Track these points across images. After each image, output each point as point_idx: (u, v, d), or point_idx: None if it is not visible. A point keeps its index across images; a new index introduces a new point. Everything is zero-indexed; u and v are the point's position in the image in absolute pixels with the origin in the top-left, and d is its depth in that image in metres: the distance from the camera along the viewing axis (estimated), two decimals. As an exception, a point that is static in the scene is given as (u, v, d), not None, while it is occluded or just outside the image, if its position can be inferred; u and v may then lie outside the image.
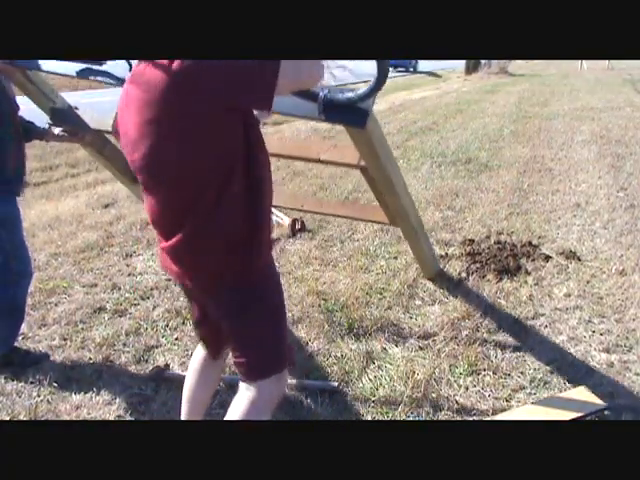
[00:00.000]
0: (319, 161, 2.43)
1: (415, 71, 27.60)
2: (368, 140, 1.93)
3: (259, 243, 1.61)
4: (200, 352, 1.96)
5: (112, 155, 2.98)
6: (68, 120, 2.70)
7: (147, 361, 2.65)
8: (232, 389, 2.39)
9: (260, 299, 1.67)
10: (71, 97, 2.80)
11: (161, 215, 1.56)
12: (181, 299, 3.23)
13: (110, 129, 2.62)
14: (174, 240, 1.55)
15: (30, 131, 2.60)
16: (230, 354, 1.81)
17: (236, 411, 1.71)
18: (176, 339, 2.84)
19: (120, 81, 2.07)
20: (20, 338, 2.77)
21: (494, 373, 2.49)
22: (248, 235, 1.57)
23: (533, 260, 3.64)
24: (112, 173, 3.20)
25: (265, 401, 1.73)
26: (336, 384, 2.40)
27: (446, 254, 3.77)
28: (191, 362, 1.99)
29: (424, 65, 28.63)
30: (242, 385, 1.74)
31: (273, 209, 3.95)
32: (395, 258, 3.77)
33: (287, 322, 1.86)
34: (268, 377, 1.71)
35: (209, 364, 1.94)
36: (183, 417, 1.98)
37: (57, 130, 2.63)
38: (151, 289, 3.40)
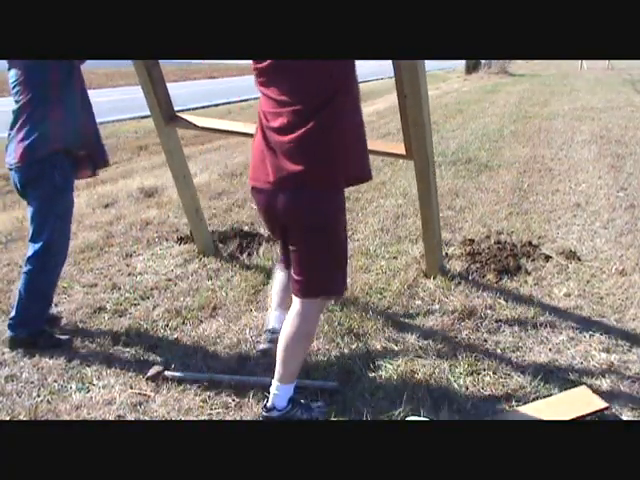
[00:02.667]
0: None
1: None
2: None
3: (361, 153, 2.08)
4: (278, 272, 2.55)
5: (158, 80, 3.10)
6: None
7: (147, 361, 2.65)
8: (233, 390, 2.39)
9: (335, 218, 2.06)
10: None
11: (282, 116, 1.95)
12: (181, 299, 3.24)
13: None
14: (298, 133, 1.91)
15: None
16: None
17: (288, 323, 2.11)
18: (176, 339, 2.85)
19: None
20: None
21: (494, 373, 2.49)
22: (355, 144, 2.04)
23: (533, 260, 3.63)
24: (150, 107, 3.30)
25: (313, 315, 2.14)
26: (336, 384, 2.40)
27: (446, 254, 3.77)
28: (274, 278, 2.64)
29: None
30: (294, 299, 2.14)
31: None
32: (395, 258, 3.77)
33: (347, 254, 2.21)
34: (316, 297, 2.11)
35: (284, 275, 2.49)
36: (274, 308, 2.57)
37: None
38: (151, 289, 3.40)
